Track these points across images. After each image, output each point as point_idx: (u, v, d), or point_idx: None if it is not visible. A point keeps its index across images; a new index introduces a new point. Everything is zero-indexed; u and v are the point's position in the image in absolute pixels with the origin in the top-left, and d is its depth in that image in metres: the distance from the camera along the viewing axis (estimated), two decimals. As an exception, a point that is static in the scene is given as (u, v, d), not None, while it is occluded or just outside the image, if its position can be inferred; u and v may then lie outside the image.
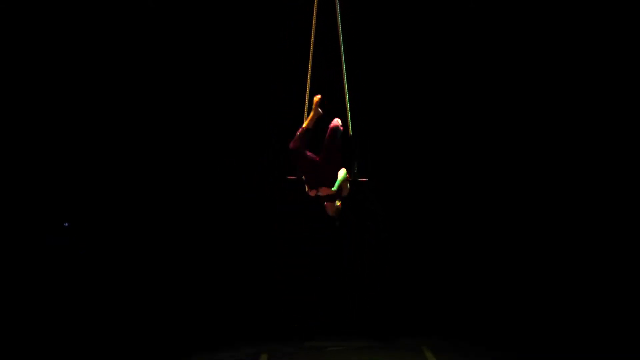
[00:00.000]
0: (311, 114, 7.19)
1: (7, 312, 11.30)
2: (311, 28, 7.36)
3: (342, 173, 7.06)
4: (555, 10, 12.12)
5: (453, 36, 12.40)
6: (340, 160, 7.09)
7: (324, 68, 7.84)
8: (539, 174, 12.61)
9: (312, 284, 12.55)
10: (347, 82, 7.42)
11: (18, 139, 11.92)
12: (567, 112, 12.45)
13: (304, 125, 7.17)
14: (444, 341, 11.34)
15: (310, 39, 7.32)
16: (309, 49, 7.37)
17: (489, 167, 12.74)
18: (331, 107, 7.52)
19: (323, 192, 7.10)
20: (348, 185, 7.13)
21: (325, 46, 7.71)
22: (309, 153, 7.10)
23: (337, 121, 7.17)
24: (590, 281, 12.14)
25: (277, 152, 7.51)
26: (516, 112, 12.59)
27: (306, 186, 7.14)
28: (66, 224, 12.51)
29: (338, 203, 7.14)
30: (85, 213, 12.42)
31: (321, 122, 7.30)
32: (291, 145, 7.12)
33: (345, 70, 7.42)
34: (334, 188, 6.99)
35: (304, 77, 7.37)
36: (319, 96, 7.23)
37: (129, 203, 12.47)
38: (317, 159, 7.08)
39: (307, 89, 7.26)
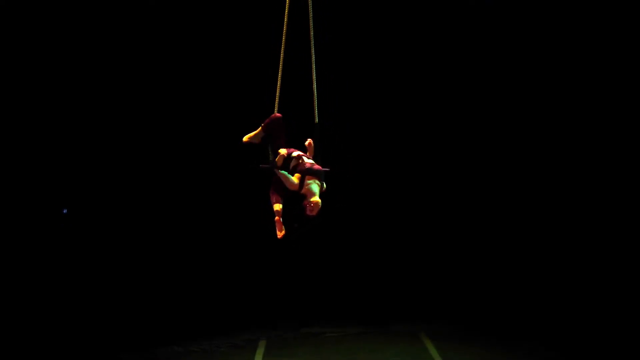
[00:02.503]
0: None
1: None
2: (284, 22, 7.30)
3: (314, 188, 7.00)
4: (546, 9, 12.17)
5: (427, 29, 12.42)
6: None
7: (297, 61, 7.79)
8: (528, 161, 12.70)
9: (308, 271, 12.61)
10: (315, 71, 7.36)
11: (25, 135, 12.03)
12: (553, 104, 12.56)
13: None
14: (441, 327, 11.38)
15: (283, 30, 7.25)
16: (282, 43, 7.31)
17: (480, 157, 12.81)
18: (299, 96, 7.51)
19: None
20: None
21: (299, 40, 7.65)
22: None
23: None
24: (584, 266, 12.23)
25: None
26: (498, 101, 12.69)
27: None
28: (65, 211, 12.55)
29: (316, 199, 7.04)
30: (85, 202, 12.48)
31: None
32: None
33: (314, 58, 7.37)
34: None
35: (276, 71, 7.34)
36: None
37: (127, 194, 12.52)
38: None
39: (279, 83, 7.24)
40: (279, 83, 7.22)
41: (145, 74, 12.23)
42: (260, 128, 7.23)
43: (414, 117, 12.77)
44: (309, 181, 6.89)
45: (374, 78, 12.59)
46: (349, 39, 12.16)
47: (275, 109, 7.20)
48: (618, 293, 11.71)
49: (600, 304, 11.60)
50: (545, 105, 12.55)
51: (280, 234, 7.04)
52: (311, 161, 7.04)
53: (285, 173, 6.87)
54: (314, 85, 7.31)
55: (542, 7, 12.09)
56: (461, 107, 12.74)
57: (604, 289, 11.84)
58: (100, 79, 12.16)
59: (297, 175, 6.90)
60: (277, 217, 6.99)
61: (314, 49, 7.33)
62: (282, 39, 7.15)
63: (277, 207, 7.02)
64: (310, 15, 7.35)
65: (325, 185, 7.01)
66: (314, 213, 6.93)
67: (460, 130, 12.82)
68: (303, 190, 6.91)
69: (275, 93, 7.25)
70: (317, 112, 7.30)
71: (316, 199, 6.90)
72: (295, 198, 7.03)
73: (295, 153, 7.03)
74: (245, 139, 7.36)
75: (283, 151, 6.91)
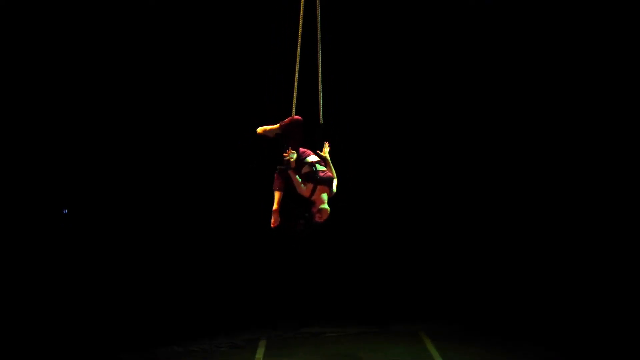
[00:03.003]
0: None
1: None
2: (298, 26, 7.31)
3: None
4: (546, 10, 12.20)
5: (428, 29, 12.44)
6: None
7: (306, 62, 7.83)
8: (528, 162, 12.73)
9: (308, 271, 12.62)
10: (321, 73, 7.40)
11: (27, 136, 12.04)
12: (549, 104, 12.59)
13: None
14: (441, 327, 11.37)
15: (298, 33, 7.28)
16: (294, 47, 7.34)
17: (481, 157, 12.83)
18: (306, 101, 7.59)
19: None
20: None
21: (308, 42, 7.68)
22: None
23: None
24: (584, 267, 12.25)
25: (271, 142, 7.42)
26: (499, 101, 12.74)
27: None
28: (65, 211, 12.56)
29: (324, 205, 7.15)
30: (85, 202, 12.48)
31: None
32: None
33: (321, 60, 7.40)
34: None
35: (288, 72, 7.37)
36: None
37: (127, 194, 12.52)
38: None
39: (295, 85, 7.27)
40: (295, 85, 7.24)
41: (145, 74, 12.24)
42: (277, 125, 7.24)
43: (415, 118, 12.79)
44: (320, 190, 6.99)
45: (375, 78, 12.61)
46: (348, 39, 12.16)
47: (293, 112, 7.21)
48: (618, 293, 11.71)
49: (600, 304, 11.60)
50: (545, 106, 12.58)
51: (273, 224, 7.11)
52: (323, 168, 7.08)
53: (299, 178, 6.93)
54: (320, 87, 7.34)
55: (542, 7, 12.10)
56: (462, 107, 12.77)
57: (604, 289, 11.84)
58: (101, 79, 12.17)
59: (309, 184, 6.96)
60: (275, 207, 7.05)
61: (321, 51, 7.35)
62: (297, 43, 7.20)
63: (277, 195, 7.08)
64: (318, 18, 7.36)
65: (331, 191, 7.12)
66: (323, 220, 7.02)
67: (460, 130, 12.85)
68: (313, 197, 6.99)
69: (284, 94, 7.28)
70: (322, 113, 7.34)
71: (325, 206, 7.00)
72: (299, 199, 7.08)
73: (310, 158, 7.07)
74: (259, 130, 7.37)
75: (293, 157, 6.95)
